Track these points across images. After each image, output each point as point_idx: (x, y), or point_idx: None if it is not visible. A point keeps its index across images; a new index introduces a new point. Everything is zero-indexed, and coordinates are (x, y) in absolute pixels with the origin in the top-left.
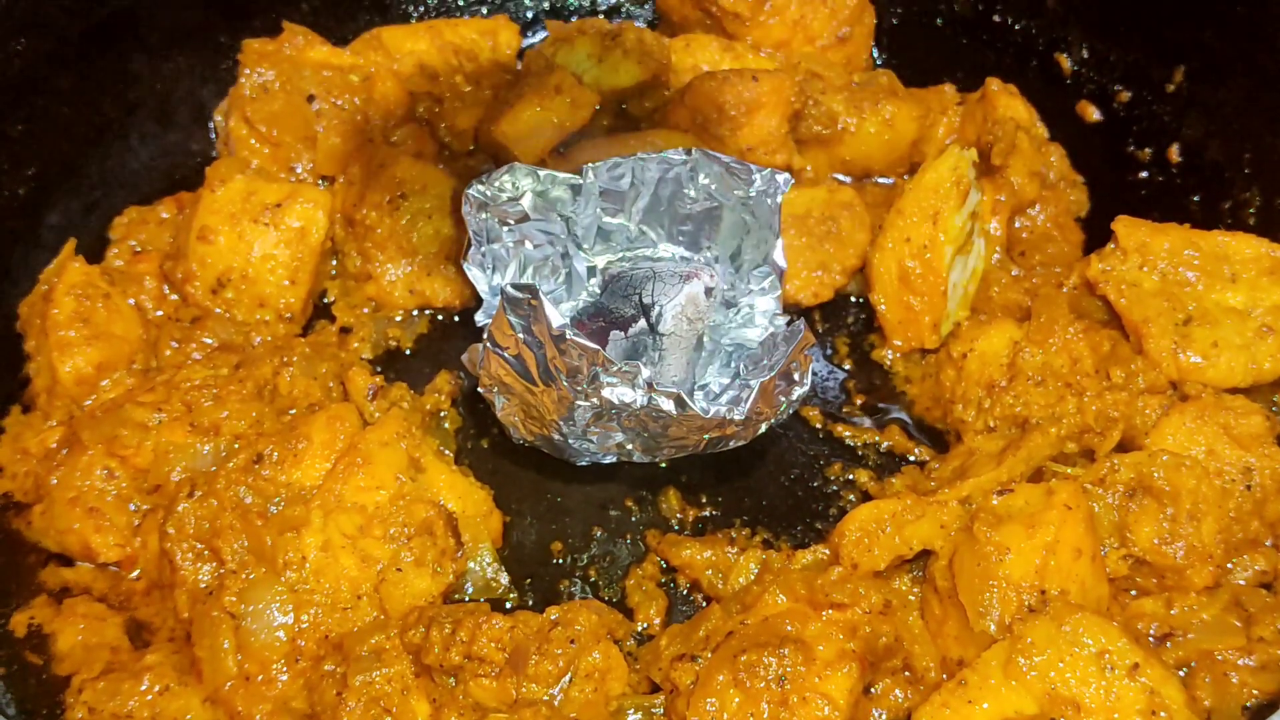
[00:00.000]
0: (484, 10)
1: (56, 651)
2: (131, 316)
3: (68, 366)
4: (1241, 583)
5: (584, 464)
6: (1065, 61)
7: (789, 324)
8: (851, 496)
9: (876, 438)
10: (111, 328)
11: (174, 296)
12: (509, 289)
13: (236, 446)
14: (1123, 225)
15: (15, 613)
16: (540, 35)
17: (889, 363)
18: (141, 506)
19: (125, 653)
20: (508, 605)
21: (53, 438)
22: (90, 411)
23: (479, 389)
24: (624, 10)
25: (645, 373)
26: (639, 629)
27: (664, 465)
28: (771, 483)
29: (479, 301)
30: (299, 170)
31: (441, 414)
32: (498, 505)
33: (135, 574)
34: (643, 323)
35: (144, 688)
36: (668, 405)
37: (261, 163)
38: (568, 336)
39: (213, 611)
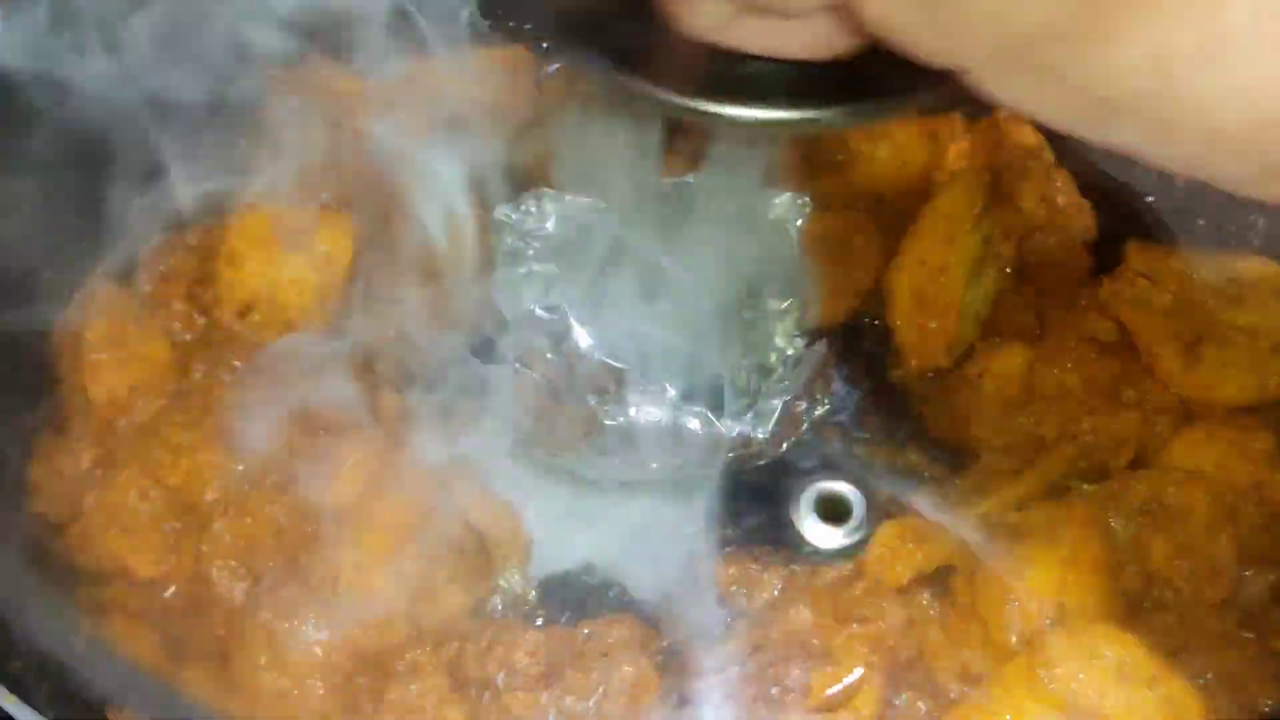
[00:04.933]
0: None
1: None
2: (162, 339)
3: (100, 388)
4: (1254, 596)
5: (609, 482)
6: None
7: (808, 345)
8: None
9: (894, 456)
10: (142, 350)
11: (202, 320)
12: (537, 310)
13: (270, 467)
14: (1134, 248)
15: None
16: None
17: (905, 383)
18: (176, 526)
19: (162, 669)
20: (538, 621)
21: (86, 459)
22: (123, 433)
23: (506, 408)
24: None
25: (671, 391)
26: (666, 644)
27: (687, 483)
28: (792, 500)
29: (505, 323)
30: (324, 196)
31: (469, 433)
32: (525, 524)
33: (170, 591)
34: None
35: None
36: (693, 424)
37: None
38: (595, 356)
39: (249, 628)
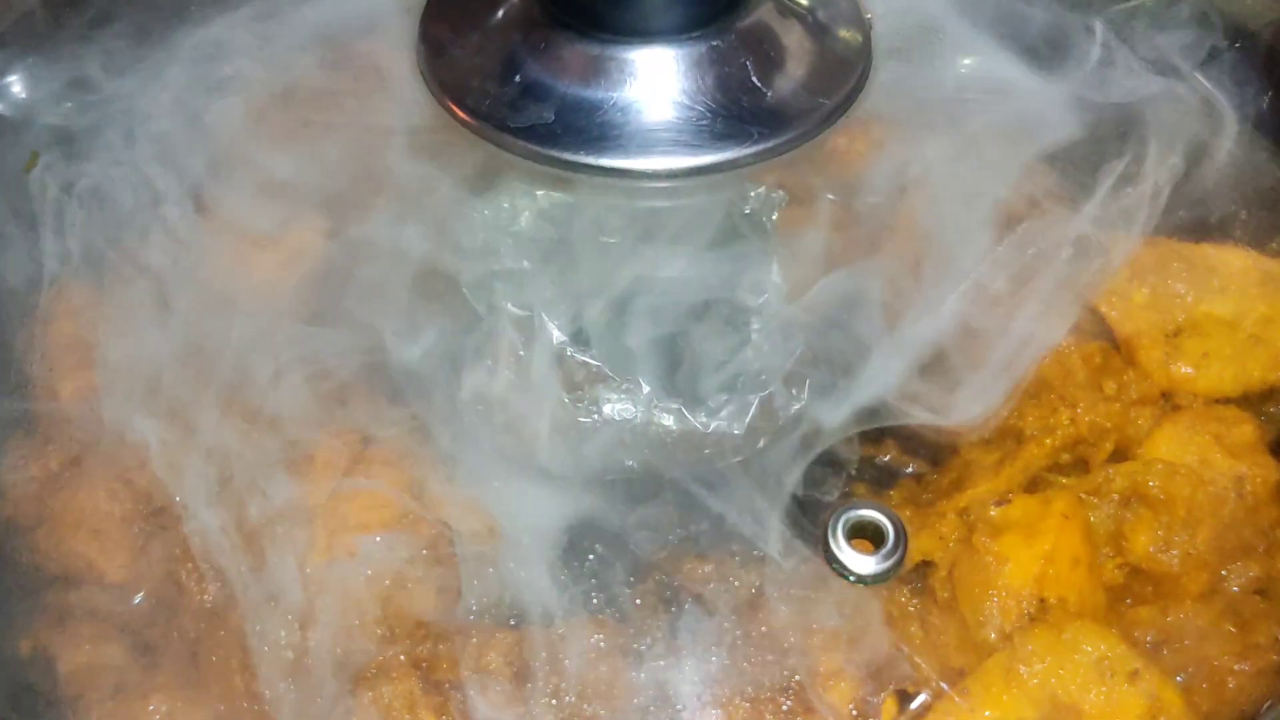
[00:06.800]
0: None
1: (62, 674)
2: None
3: (70, 390)
4: (1235, 589)
5: (584, 480)
6: None
7: (784, 339)
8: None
9: (872, 451)
10: (112, 352)
11: None
12: (510, 307)
13: (241, 467)
14: (1113, 239)
15: (19, 636)
16: None
17: None
18: (145, 528)
19: (131, 674)
20: (512, 621)
21: (55, 461)
22: (93, 433)
23: (478, 406)
24: None
25: (646, 388)
26: (642, 643)
27: (663, 480)
28: (770, 497)
29: (478, 320)
30: (296, 192)
31: (442, 431)
32: (499, 522)
33: (140, 595)
34: None
35: (151, 708)
36: (668, 421)
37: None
38: (568, 353)
39: (219, 631)
